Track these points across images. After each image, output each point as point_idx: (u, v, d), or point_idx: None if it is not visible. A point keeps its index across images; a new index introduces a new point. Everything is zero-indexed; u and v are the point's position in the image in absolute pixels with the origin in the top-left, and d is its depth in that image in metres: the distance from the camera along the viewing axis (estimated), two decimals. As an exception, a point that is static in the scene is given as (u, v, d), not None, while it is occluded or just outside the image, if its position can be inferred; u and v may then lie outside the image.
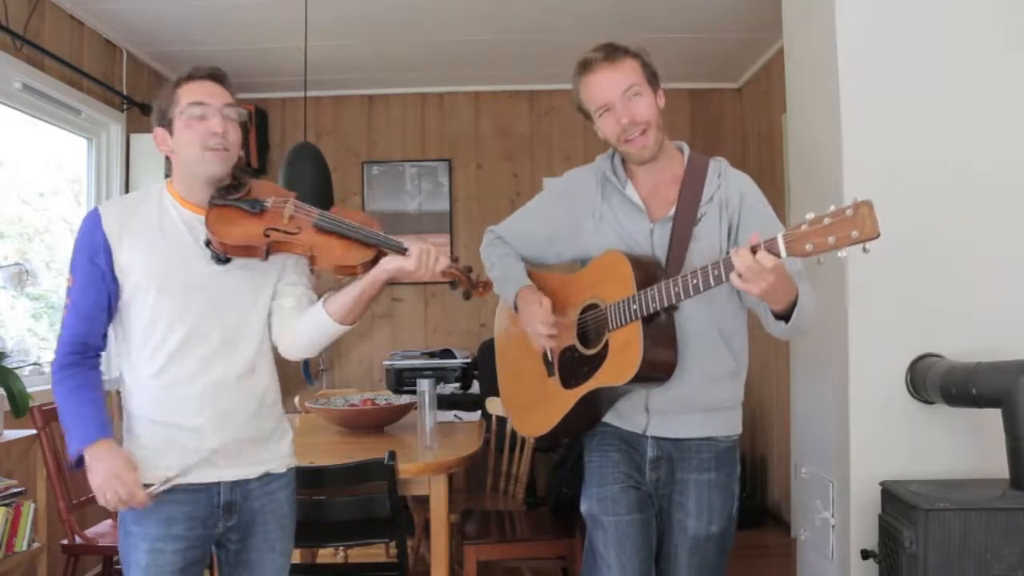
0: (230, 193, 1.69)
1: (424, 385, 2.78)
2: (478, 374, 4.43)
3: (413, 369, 4.46)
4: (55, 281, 3.67)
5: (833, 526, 2.45)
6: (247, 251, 1.66)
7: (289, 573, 1.81)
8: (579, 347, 1.86)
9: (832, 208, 1.37)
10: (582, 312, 1.86)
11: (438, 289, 5.08)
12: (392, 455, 2.36)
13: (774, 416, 4.46)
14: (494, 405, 3.34)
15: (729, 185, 1.84)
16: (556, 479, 2.96)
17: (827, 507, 2.47)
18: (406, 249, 1.68)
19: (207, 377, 1.64)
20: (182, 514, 1.62)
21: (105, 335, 1.68)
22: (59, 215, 3.87)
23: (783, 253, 1.42)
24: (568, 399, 1.86)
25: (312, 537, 2.52)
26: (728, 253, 1.50)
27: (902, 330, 2.33)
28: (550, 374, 1.92)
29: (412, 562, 3.25)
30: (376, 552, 3.69)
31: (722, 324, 1.81)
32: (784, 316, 1.62)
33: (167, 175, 1.78)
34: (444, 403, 3.59)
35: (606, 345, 1.78)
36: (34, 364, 3.23)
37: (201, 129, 1.63)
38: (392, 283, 4.99)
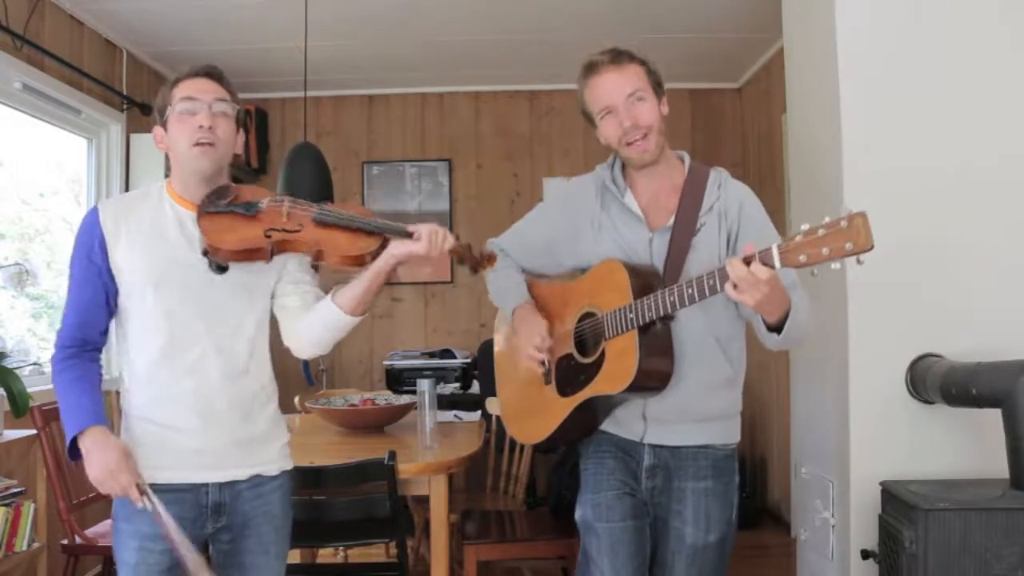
0: (219, 199, 1.66)
1: (424, 385, 2.78)
2: (478, 374, 4.43)
3: (413, 369, 4.46)
4: (55, 281, 3.67)
5: (833, 526, 2.45)
6: (250, 255, 1.63)
7: (288, 573, 1.81)
8: (576, 355, 1.86)
9: (827, 219, 1.37)
10: (579, 320, 1.86)
11: (438, 289, 5.08)
12: (392, 455, 2.36)
13: (774, 416, 4.46)
14: (494, 405, 3.33)
15: (729, 195, 1.83)
16: (556, 479, 2.96)
17: (827, 507, 2.47)
18: (410, 233, 1.65)
19: (197, 378, 1.64)
20: (170, 514, 1.62)
21: (104, 332, 1.68)
22: (59, 215, 3.87)
23: (777, 264, 1.42)
24: (564, 407, 1.86)
25: (312, 537, 2.52)
26: (724, 263, 1.51)
27: (902, 330, 2.33)
28: (547, 382, 1.92)
29: (412, 562, 3.25)
30: (376, 552, 3.69)
31: (719, 332, 1.81)
32: (777, 328, 1.62)
33: (167, 175, 1.78)
34: (444, 403, 3.59)
35: (603, 354, 1.78)
36: (34, 364, 3.23)
37: (190, 124, 1.64)
38: (392, 283, 5.04)
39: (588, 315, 1.83)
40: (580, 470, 1.94)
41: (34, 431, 2.80)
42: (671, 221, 1.81)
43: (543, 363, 1.90)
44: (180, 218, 1.69)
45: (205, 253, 1.63)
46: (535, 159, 5.09)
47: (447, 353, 4.61)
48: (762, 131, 4.66)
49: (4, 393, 2.71)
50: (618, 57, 1.79)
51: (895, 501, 2.09)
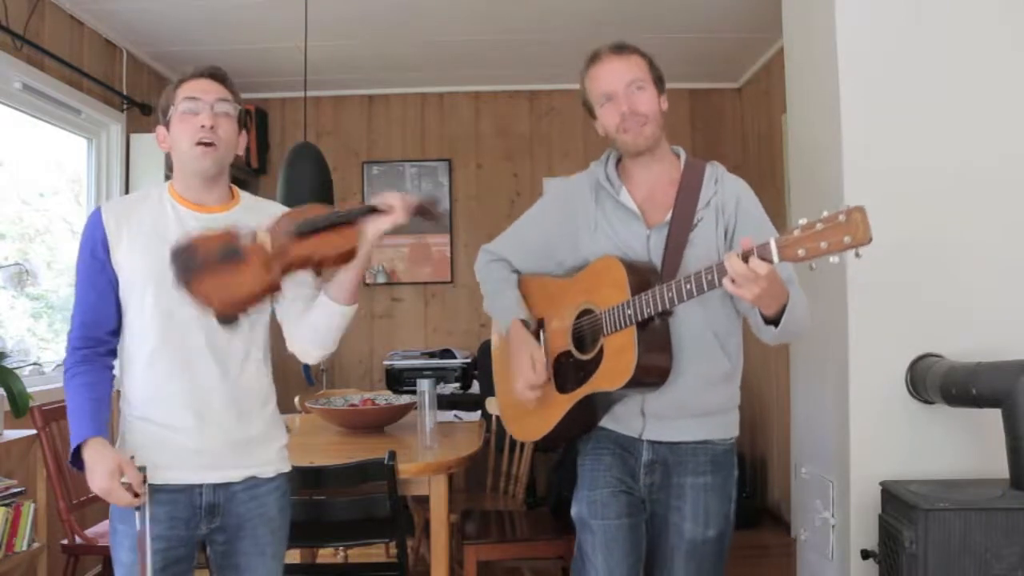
0: (190, 260, 1.55)
1: (424, 385, 2.78)
2: (478, 374, 4.43)
3: (413, 369, 4.46)
4: (55, 281, 3.67)
5: (833, 526, 2.45)
6: (267, 294, 1.59)
7: (288, 573, 1.81)
8: (574, 352, 1.86)
9: (825, 213, 1.37)
10: (577, 317, 1.86)
11: (438, 289, 5.08)
12: (392, 455, 2.36)
13: (774, 416, 4.46)
14: (494, 405, 3.33)
15: (726, 190, 1.83)
16: (556, 479, 2.95)
17: (827, 507, 2.47)
18: (379, 208, 1.62)
19: (193, 377, 1.64)
20: (163, 514, 1.62)
21: (114, 332, 1.68)
22: (59, 215, 3.87)
23: (775, 258, 1.42)
24: (563, 404, 1.86)
25: (312, 537, 2.52)
26: (723, 258, 1.50)
27: (902, 330, 2.33)
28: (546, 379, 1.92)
29: (412, 562, 3.25)
30: (376, 552, 3.69)
31: (716, 327, 1.81)
32: (775, 320, 1.63)
33: (167, 175, 1.79)
34: (444, 403, 3.59)
35: (601, 350, 1.78)
36: (34, 364, 3.24)
37: (192, 123, 1.65)
38: (392, 283, 5.04)
39: (586, 312, 1.83)
40: (577, 466, 1.94)
41: (34, 431, 2.80)
42: (668, 217, 1.81)
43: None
44: (181, 218, 1.69)
45: (222, 320, 1.56)
46: (535, 159, 5.09)
47: (447, 353, 4.61)
48: (762, 131, 4.66)
49: (4, 393, 2.71)
50: (622, 48, 1.82)
51: (895, 501, 2.09)
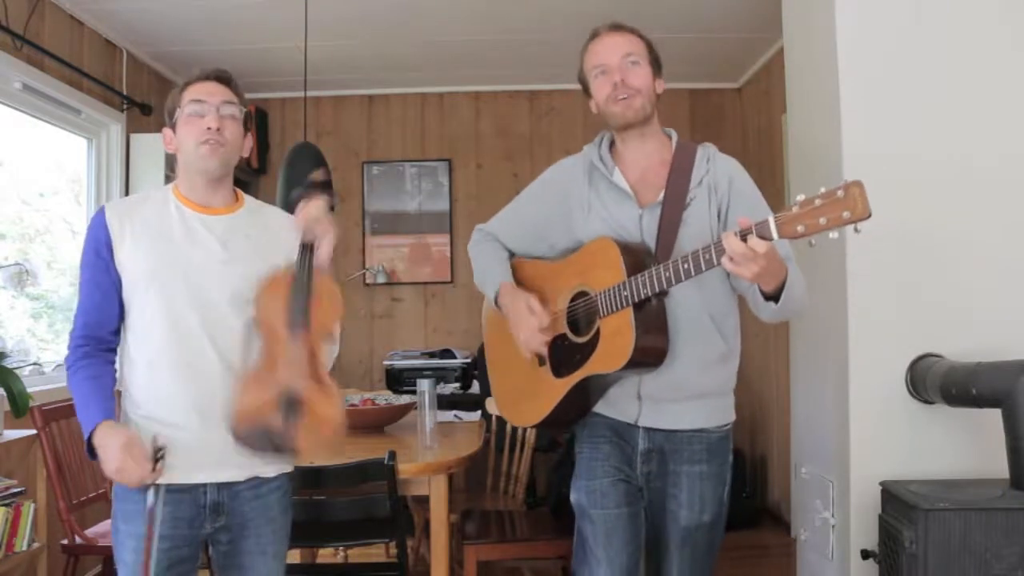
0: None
1: (424, 385, 2.78)
2: (478, 374, 4.43)
3: (413, 369, 4.46)
4: (55, 281, 3.67)
5: (833, 526, 2.45)
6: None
7: (288, 573, 1.81)
8: (570, 335, 1.85)
9: (823, 189, 1.36)
10: (572, 300, 1.85)
11: (438, 289, 5.08)
12: (392, 455, 2.36)
13: (774, 416, 4.46)
14: (494, 405, 3.33)
15: (718, 169, 1.83)
16: (556, 479, 2.96)
17: (827, 507, 2.47)
18: (310, 244, 1.65)
19: (196, 378, 1.65)
20: (167, 514, 1.62)
21: (116, 332, 1.69)
22: (59, 215, 3.87)
23: (774, 235, 1.42)
24: (560, 388, 1.85)
25: (312, 537, 2.52)
26: (719, 238, 1.50)
27: (902, 330, 2.33)
28: (541, 363, 1.92)
29: (412, 562, 3.25)
30: (376, 552, 3.69)
31: (712, 308, 1.80)
32: (774, 296, 1.62)
33: (168, 177, 1.79)
34: (444, 403, 3.59)
35: (597, 332, 1.77)
36: (34, 364, 3.24)
37: (198, 125, 1.66)
38: (392, 283, 5.03)
39: (581, 294, 1.82)
40: (575, 453, 1.94)
41: (34, 431, 2.80)
42: (661, 197, 1.81)
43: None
44: (186, 219, 1.70)
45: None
46: (535, 159, 5.08)
47: (447, 353, 4.60)
48: (762, 131, 4.66)
49: (4, 393, 2.71)
50: (620, 26, 1.87)
51: (895, 501, 2.09)
